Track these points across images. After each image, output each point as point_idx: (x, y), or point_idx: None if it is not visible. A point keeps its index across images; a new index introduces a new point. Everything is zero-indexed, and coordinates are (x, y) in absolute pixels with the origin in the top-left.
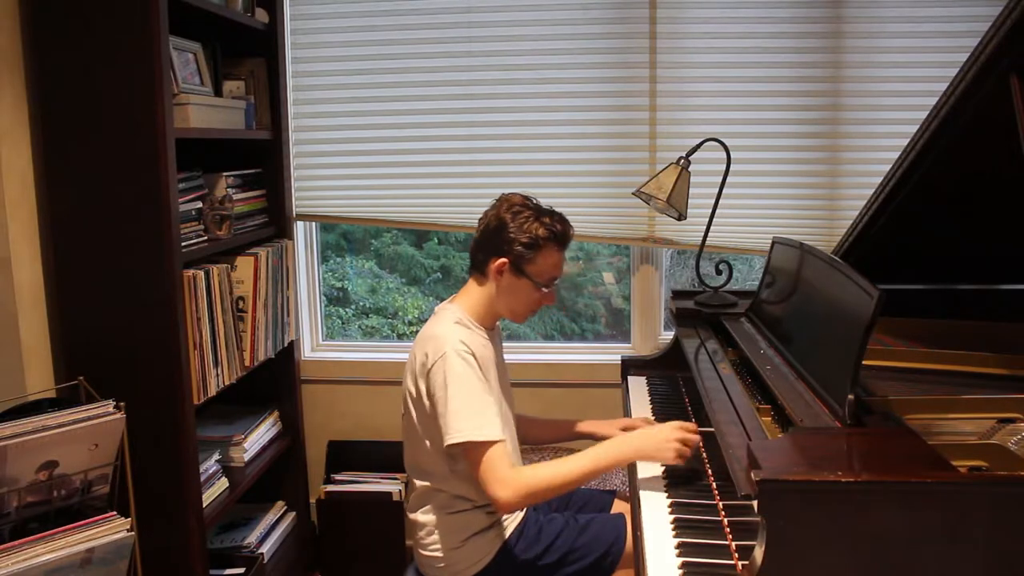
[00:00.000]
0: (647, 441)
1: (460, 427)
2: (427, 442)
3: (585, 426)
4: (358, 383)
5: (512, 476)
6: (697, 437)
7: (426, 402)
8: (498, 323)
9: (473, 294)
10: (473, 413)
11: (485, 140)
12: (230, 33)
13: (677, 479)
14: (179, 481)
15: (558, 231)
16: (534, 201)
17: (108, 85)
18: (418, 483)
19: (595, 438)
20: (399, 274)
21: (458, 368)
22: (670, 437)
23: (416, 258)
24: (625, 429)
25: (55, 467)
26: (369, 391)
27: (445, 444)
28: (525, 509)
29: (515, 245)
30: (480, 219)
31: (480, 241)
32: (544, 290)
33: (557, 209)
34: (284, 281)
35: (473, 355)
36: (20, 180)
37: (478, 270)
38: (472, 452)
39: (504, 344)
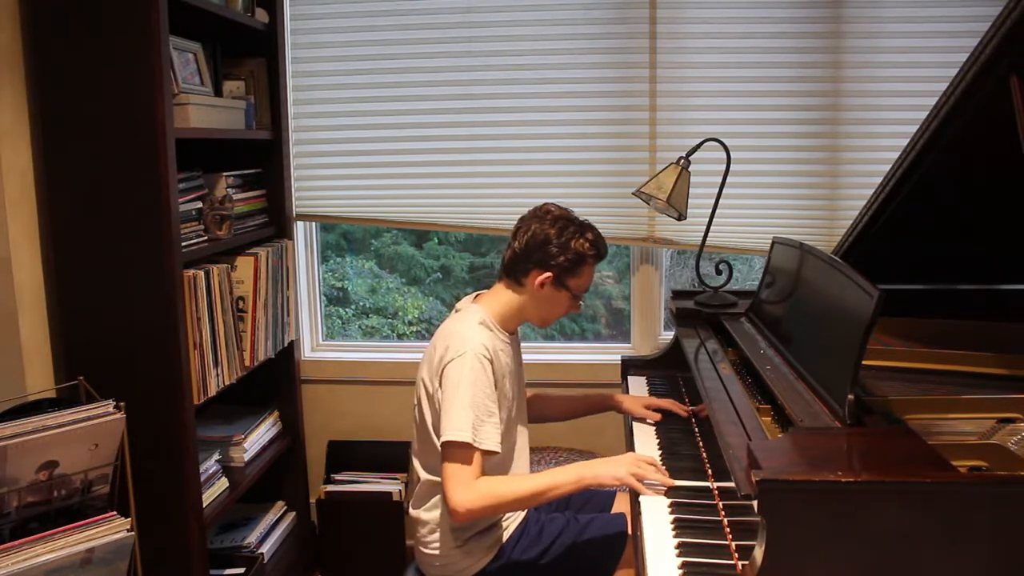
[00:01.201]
0: (606, 467)
1: (461, 426)
2: (436, 439)
3: (612, 400)
4: (358, 383)
5: (478, 485)
6: (653, 468)
7: (439, 397)
8: (518, 328)
9: (501, 298)
10: (477, 417)
11: (485, 140)
12: (230, 33)
13: (677, 479)
14: (179, 481)
15: (601, 248)
16: (572, 213)
17: (108, 85)
18: (424, 476)
19: (619, 410)
20: (399, 274)
21: (474, 370)
22: (628, 463)
23: (416, 258)
24: (648, 407)
25: (55, 467)
26: (369, 391)
27: (442, 439)
28: (526, 509)
29: (560, 259)
30: (519, 228)
31: (522, 252)
32: (579, 302)
33: None
34: (284, 281)
35: (491, 361)
36: (20, 180)
37: (513, 278)
38: (458, 451)
39: None
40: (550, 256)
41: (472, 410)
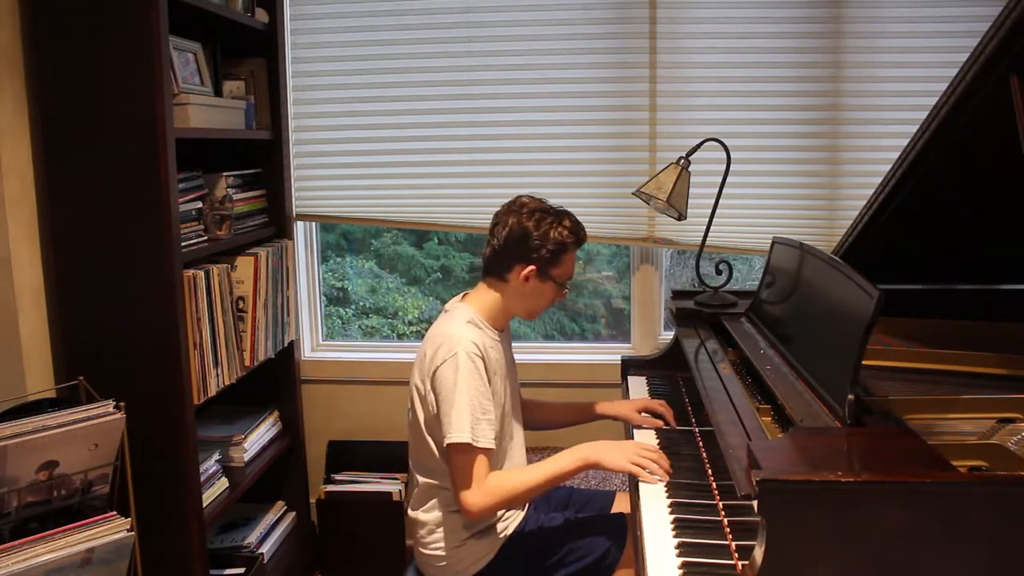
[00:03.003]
0: (611, 451)
1: (460, 427)
2: (430, 440)
3: (603, 407)
4: (358, 383)
5: (487, 483)
6: (655, 457)
7: (431, 399)
8: (509, 324)
9: (487, 297)
10: (474, 417)
11: (485, 140)
12: (230, 33)
13: (677, 479)
14: (179, 481)
15: (580, 234)
16: (547, 203)
17: (108, 85)
18: (421, 479)
19: (614, 419)
20: (399, 274)
21: (467, 370)
22: (631, 450)
23: (416, 258)
24: (642, 410)
25: (55, 467)
26: (369, 391)
27: (445, 443)
28: (526, 508)
29: (542, 251)
30: (494, 224)
31: (502, 248)
32: (564, 290)
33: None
34: (284, 281)
35: (483, 358)
36: (20, 180)
37: (497, 275)
38: (461, 453)
39: None
40: (531, 249)
41: (469, 410)
